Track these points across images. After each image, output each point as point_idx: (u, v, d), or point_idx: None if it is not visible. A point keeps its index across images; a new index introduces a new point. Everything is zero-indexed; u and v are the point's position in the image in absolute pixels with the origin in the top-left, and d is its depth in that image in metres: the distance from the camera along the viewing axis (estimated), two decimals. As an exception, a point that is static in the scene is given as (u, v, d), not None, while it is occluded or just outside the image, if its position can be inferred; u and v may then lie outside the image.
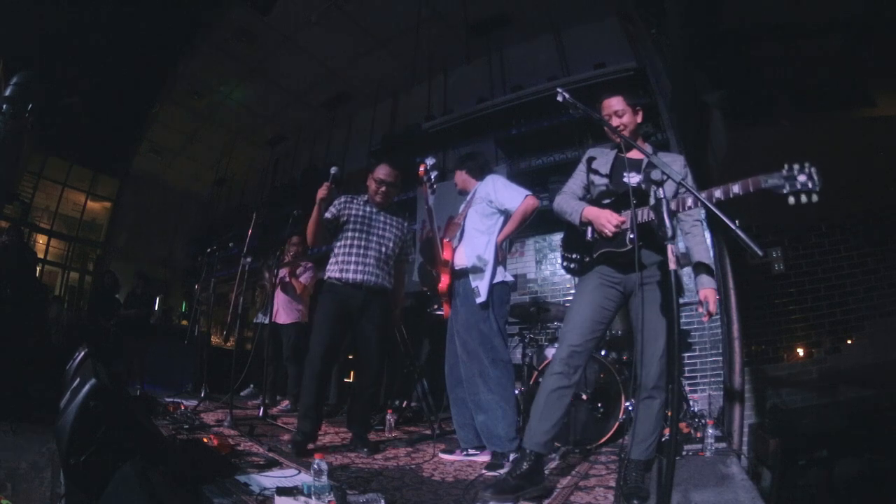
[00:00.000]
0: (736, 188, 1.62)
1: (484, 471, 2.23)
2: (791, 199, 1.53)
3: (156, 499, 1.17)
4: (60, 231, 9.26)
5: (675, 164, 2.00)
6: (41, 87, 2.82)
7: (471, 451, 2.53)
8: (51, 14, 5.36)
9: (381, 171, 2.79)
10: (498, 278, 2.48)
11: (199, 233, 9.79)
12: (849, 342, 3.68)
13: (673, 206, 1.78)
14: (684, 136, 3.92)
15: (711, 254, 2.34)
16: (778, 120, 3.13)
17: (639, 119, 2.08)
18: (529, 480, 1.80)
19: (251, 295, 5.63)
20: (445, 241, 2.59)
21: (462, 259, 2.52)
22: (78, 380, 1.70)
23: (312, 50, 6.58)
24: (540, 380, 3.14)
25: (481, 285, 2.42)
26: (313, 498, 1.55)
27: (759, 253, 1.36)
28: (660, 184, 1.50)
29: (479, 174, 2.71)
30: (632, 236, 1.79)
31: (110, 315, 5.90)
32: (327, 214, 2.74)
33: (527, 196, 2.44)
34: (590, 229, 1.96)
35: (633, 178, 1.93)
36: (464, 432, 2.57)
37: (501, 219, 2.54)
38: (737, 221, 1.42)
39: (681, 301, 1.90)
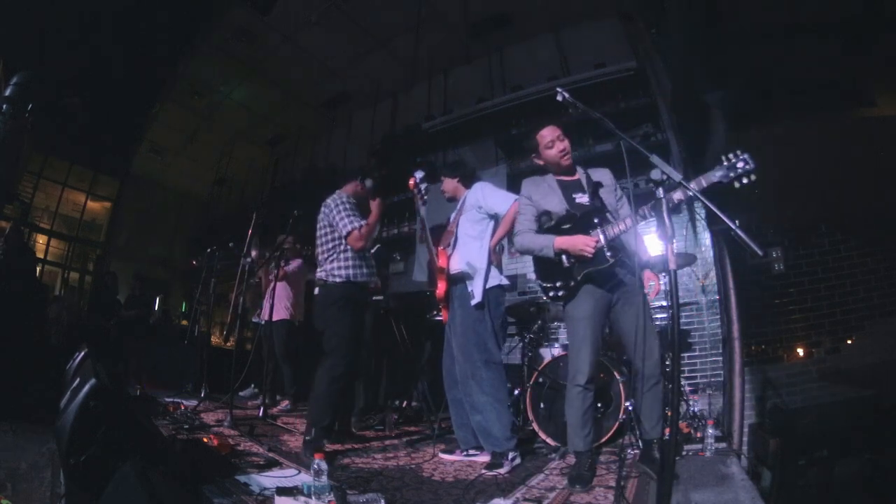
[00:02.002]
0: (692, 187, 1.74)
1: (484, 471, 2.24)
2: (736, 184, 1.74)
3: (156, 499, 1.17)
4: (60, 231, 9.24)
5: (605, 176, 2.26)
6: (41, 87, 2.82)
7: (470, 452, 2.54)
8: (51, 14, 5.35)
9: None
10: (493, 282, 2.54)
11: (199, 233, 9.78)
12: (849, 342, 3.68)
13: (616, 229, 2.04)
14: (684, 136, 3.92)
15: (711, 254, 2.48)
16: (778, 120, 3.14)
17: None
18: (594, 472, 2.15)
19: (250, 295, 5.62)
20: (440, 248, 2.65)
21: (457, 264, 2.58)
22: (78, 380, 1.70)
23: (312, 50, 6.57)
24: (540, 379, 3.16)
25: (476, 288, 2.48)
26: (313, 498, 1.55)
27: (759, 253, 1.37)
28: (660, 183, 1.51)
29: (469, 182, 2.78)
30: (609, 254, 2.03)
31: (110, 315, 5.90)
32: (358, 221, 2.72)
33: (515, 200, 2.48)
34: (565, 256, 2.11)
35: (583, 198, 2.17)
36: (462, 433, 2.59)
37: (492, 223, 2.61)
38: (737, 221, 1.43)
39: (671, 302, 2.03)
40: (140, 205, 9.79)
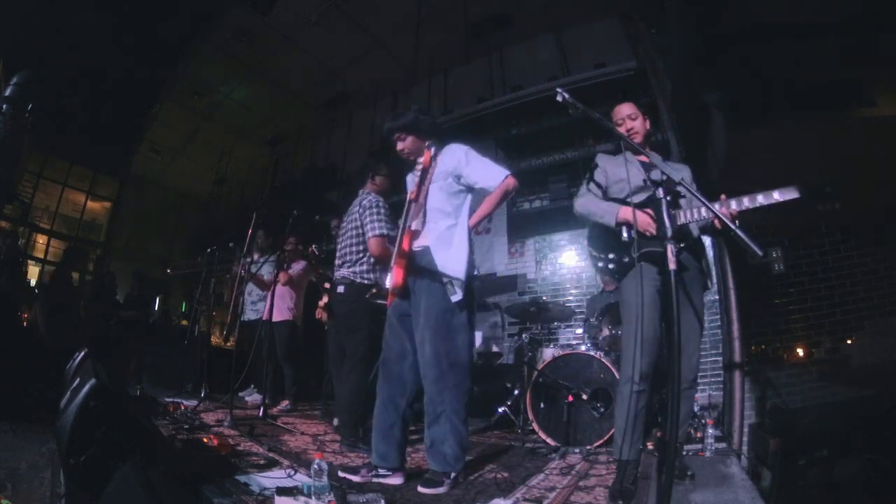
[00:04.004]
0: (777, 195, 1.72)
1: (420, 488, 1.91)
2: (820, 207, 1.76)
3: (156, 499, 1.17)
4: (60, 231, 9.25)
5: (684, 171, 2.13)
6: (41, 87, 2.83)
7: (381, 471, 2.03)
8: (51, 14, 5.35)
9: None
10: (471, 270, 2.12)
11: (199, 233, 9.79)
12: (849, 342, 3.68)
13: (689, 215, 1.91)
14: (684, 136, 3.92)
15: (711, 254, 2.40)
16: (778, 120, 3.13)
17: (647, 126, 2.15)
18: (637, 486, 1.94)
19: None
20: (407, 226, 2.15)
21: (425, 244, 2.10)
22: (78, 380, 1.70)
23: (312, 50, 6.58)
24: (540, 379, 3.15)
25: (456, 281, 2.03)
26: (313, 498, 1.56)
27: (759, 253, 1.37)
28: (659, 184, 1.52)
29: (440, 142, 2.26)
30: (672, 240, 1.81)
31: (110, 315, 5.90)
32: (388, 229, 2.68)
33: (508, 175, 2.10)
34: (625, 229, 1.96)
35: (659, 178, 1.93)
36: (385, 446, 2.05)
37: (469, 197, 2.16)
38: (737, 221, 1.43)
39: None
40: (140, 205, 9.79)
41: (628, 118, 2.11)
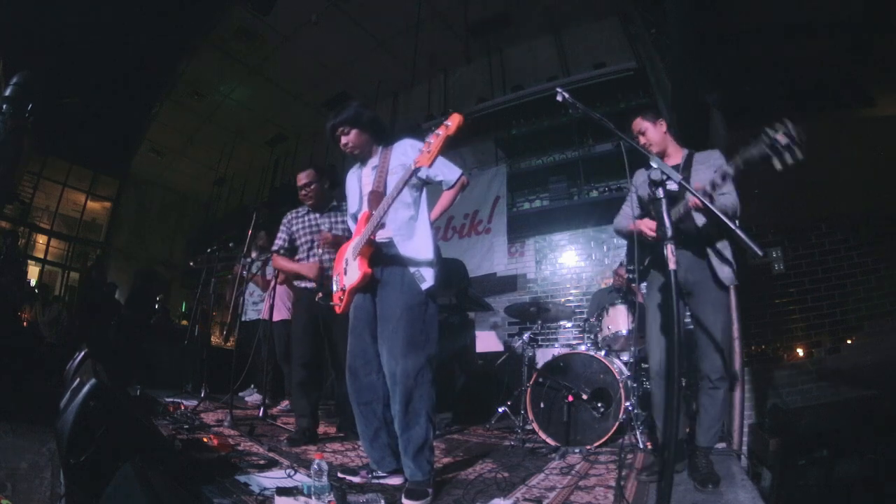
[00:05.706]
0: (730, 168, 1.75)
1: (405, 500, 1.78)
2: (778, 165, 1.57)
3: (156, 499, 1.17)
4: (60, 231, 9.26)
5: (710, 156, 2.18)
6: (41, 87, 2.83)
7: (378, 473, 2.04)
8: (51, 14, 5.36)
9: (298, 177, 3.05)
10: (439, 258, 2.09)
11: (199, 233, 9.79)
12: (849, 342, 3.68)
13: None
14: (684, 136, 3.92)
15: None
16: (778, 120, 3.13)
17: (663, 129, 2.24)
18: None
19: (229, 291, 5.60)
20: (366, 212, 2.08)
21: (389, 235, 2.05)
22: (78, 380, 1.70)
23: (312, 50, 6.59)
24: (540, 379, 3.15)
25: (424, 269, 1.99)
26: (313, 498, 1.56)
27: (759, 253, 1.37)
28: (659, 184, 1.52)
29: (384, 136, 2.26)
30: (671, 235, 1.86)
31: (110, 316, 5.90)
32: (279, 242, 2.95)
33: (462, 173, 2.15)
34: (639, 240, 2.10)
35: (671, 184, 1.92)
36: (378, 452, 2.06)
37: (424, 190, 2.15)
38: (737, 221, 1.43)
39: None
40: (140, 205, 9.81)
41: (639, 134, 2.22)
